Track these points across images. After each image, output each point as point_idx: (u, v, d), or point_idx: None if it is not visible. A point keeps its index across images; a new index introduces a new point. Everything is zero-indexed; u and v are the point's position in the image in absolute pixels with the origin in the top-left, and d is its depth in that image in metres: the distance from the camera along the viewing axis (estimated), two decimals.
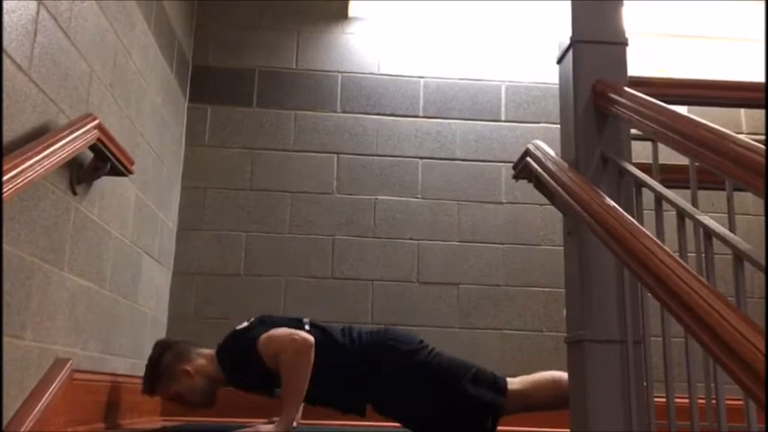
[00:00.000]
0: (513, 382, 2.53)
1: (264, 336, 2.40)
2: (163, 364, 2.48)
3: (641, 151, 2.14)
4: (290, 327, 2.47)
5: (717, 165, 1.29)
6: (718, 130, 1.31)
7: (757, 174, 1.15)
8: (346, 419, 2.74)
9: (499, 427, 2.60)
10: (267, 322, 2.54)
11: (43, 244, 1.87)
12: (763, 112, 3.14)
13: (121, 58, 2.50)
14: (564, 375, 2.41)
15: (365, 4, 3.78)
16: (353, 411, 2.61)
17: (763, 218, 3.19)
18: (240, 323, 2.63)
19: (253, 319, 2.61)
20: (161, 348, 2.55)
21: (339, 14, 3.83)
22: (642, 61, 3.65)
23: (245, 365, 2.45)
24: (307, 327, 2.52)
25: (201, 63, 3.69)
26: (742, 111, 3.84)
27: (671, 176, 1.84)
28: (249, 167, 3.60)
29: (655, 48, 3.85)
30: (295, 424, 2.37)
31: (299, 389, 2.33)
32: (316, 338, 2.41)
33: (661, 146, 1.62)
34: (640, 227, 1.40)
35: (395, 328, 2.73)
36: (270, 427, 2.30)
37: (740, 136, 1.27)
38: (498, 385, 2.50)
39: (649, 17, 3.74)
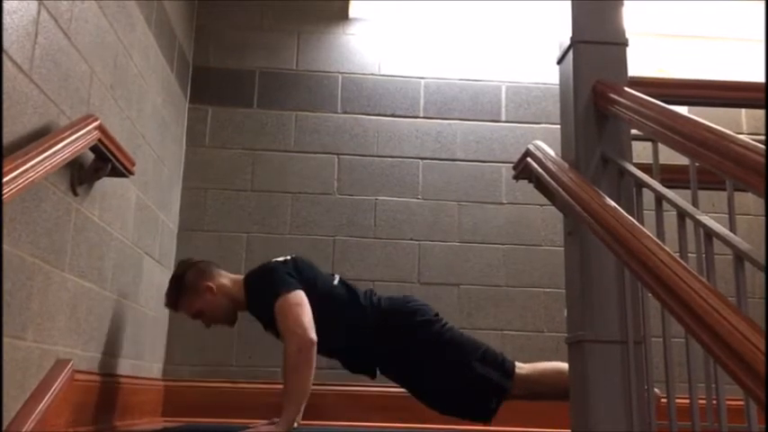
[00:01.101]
0: (522, 367, 2.55)
1: (279, 304, 2.37)
2: (186, 279, 2.53)
3: (642, 151, 2.14)
4: (318, 281, 2.53)
5: (717, 165, 1.29)
6: (718, 131, 1.31)
7: (757, 174, 1.15)
8: (346, 419, 2.74)
9: (499, 428, 2.60)
10: (300, 267, 2.55)
11: (44, 245, 1.87)
12: (763, 112, 3.14)
13: (122, 58, 2.50)
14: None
15: (366, 4, 3.78)
16: (362, 371, 2.64)
17: (763, 218, 3.19)
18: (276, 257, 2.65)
19: (289, 258, 2.61)
20: (185, 266, 2.61)
21: (340, 15, 3.83)
22: (642, 61, 3.65)
23: (264, 308, 2.46)
24: (335, 281, 2.60)
25: (202, 64, 3.70)
26: (743, 111, 3.84)
27: (672, 176, 1.84)
28: (250, 168, 3.60)
29: (655, 48, 3.85)
30: (296, 425, 2.37)
31: (300, 389, 2.33)
32: (341, 294, 2.51)
33: (663, 146, 1.62)
34: (641, 227, 1.40)
35: (414, 297, 2.75)
36: (271, 427, 2.30)
37: (741, 136, 1.27)
38: (506, 367, 2.52)
39: (649, 17, 3.74)
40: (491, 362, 2.54)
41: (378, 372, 2.64)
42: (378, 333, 2.54)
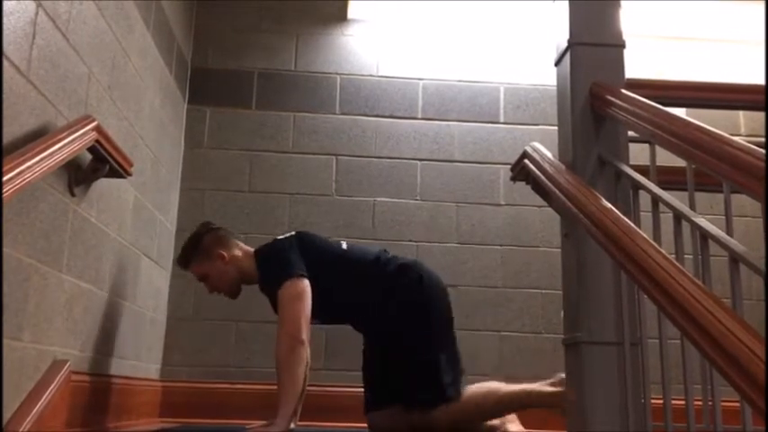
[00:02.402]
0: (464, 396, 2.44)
1: (281, 294, 2.41)
2: (203, 242, 2.57)
3: (641, 153, 2.14)
4: (326, 252, 2.57)
5: (712, 167, 1.29)
6: (713, 132, 1.31)
7: (752, 176, 1.16)
8: (346, 420, 2.74)
9: None
10: (305, 241, 2.57)
11: (41, 246, 1.87)
12: (760, 113, 3.14)
13: (120, 59, 2.51)
14: (499, 387, 2.38)
15: (364, 5, 3.78)
16: (358, 329, 2.66)
17: (761, 219, 3.19)
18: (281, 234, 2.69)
19: (293, 234, 2.63)
20: (205, 228, 2.64)
21: (338, 16, 3.83)
22: (640, 63, 3.65)
23: (270, 291, 2.50)
24: (344, 245, 2.62)
25: (201, 65, 3.70)
26: (741, 113, 3.84)
27: (671, 178, 1.84)
28: (248, 169, 3.60)
29: (653, 50, 3.85)
30: (293, 425, 2.37)
31: (293, 387, 2.34)
32: (354, 255, 2.56)
33: (662, 148, 1.62)
34: (637, 229, 1.40)
35: (427, 268, 2.66)
36: (269, 428, 2.30)
37: (738, 138, 1.27)
38: (456, 386, 2.43)
39: (648, 19, 3.75)
40: (454, 368, 2.46)
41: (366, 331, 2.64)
42: (387, 289, 2.53)
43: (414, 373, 2.43)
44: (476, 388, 2.46)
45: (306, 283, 2.43)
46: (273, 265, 2.50)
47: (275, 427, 2.27)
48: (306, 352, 2.36)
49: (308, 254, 2.51)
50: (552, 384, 2.36)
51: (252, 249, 2.63)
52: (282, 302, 2.40)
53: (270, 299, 2.56)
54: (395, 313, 2.50)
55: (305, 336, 2.36)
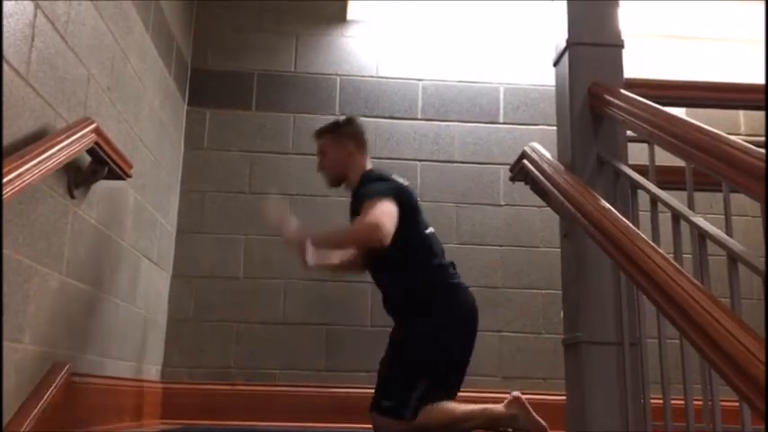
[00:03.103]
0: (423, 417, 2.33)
1: (370, 203, 2.31)
2: (346, 129, 2.63)
3: (641, 152, 2.14)
4: (417, 219, 2.51)
5: (711, 166, 1.29)
6: (713, 132, 1.31)
7: (750, 176, 1.16)
8: (348, 422, 2.74)
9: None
10: (410, 196, 2.52)
11: (41, 247, 1.88)
12: (760, 113, 3.13)
13: (119, 61, 2.51)
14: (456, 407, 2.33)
15: (364, 6, 3.78)
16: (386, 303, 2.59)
17: (760, 219, 3.19)
18: None
19: (408, 184, 2.59)
20: (355, 123, 2.70)
21: (338, 17, 3.84)
22: (640, 63, 3.66)
23: (357, 202, 2.47)
24: (430, 229, 2.60)
25: (200, 66, 3.70)
26: (741, 112, 3.84)
27: (671, 178, 1.84)
28: (248, 170, 3.60)
29: (652, 49, 3.85)
30: (313, 260, 2.23)
31: (340, 244, 2.39)
32: (431, 239, 2.52)
33: (660, 148, 1.62)
34: (635, 229, 1.40)
35: (476, 314, 2.59)
36: (302, 233, 2.26)
37: (738, 137, 1.27)
38: (417, 408, 2.30)
39: (647, 18, 3.75)
40: (434, 387, 2.33)
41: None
42: (437, 298, 2.46)
43: (393, 379, 2.38)
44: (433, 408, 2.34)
45: (397, 211, 2.34)
46: (376, 184, 2.48)
47: (307, 235, 2.22)
48: (375, 231, 2.22)
49: (402, 205, 2.42)
50: (506, 405, 2.33)
51: (369, 168, 2.63)
52: (369, 208, 2.30)
53: (352, 212, 2.53)
54: (426, 326, 2.43)
55: (382, 235, 2.21)
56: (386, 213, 2.28)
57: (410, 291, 2.47)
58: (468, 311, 2.50)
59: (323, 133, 2.67)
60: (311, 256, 2.19)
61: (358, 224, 2.31)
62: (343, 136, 2.61)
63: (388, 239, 2.22)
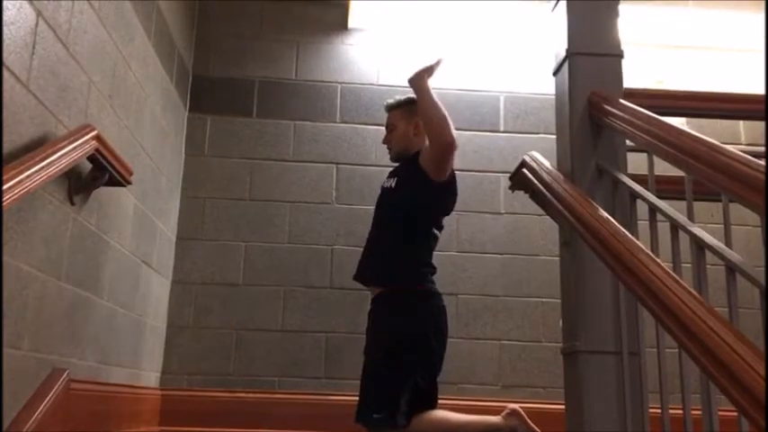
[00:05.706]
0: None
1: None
2: (417, 104, 2.64)
3: (642, 162, 2.15)
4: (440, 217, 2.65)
5: (708, 177, 1.29)
6: (711, 143, 1.32)
7: (750, 188, 1.16)
8: (345, 430, 2.72)
9: None
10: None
11: (41, 254, 1.88)
12: (760, 123, 3.14)
13: (121, 68, 2.52)
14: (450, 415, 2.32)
15: (365, 15, 3.80)
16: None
17: (760, 229, 3.19)
18: None
19: None
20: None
21: (339, 25, 3.85)
22: (640, 72, 3.66)
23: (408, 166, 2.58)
24: (439, 233, 2.69)
25: (202, 73, 3.71)
26: (741, 122, 3.84)
27: (670, 187, 1.84)
28: (248, 177, 3.61)
29: (653, 59, 3.86)
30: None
31: (434, 107, 2.48)
32: (435, 240, 2.64)
33: (659, 158, 1.62)
34: (633, 239, 1.40)
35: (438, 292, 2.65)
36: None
37: (738, 148, 1.27)
38: (409, 413, 2.27)
39: (648, 28, 3.76)
40: (418, 395, 2.29)
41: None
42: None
43: (379, 390, 2.34)
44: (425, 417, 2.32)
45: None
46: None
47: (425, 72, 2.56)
48: (452, 135, 2.40)
49: (451, 184, 2.55)
50: (505, 417, 2.33)
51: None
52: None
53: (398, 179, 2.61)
54: (411, 327, 2.40)
55: (454, 140, 2.41)
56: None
57: (394, 257, 2.58)
58: (444, 313, 2.53)
59: (395, 107, 2.71)
60: (425, 82, 2.52)
61: (446, 121, 2.44)
62: (415, 113, 2.64)
63: (455, 147, 2.40)
